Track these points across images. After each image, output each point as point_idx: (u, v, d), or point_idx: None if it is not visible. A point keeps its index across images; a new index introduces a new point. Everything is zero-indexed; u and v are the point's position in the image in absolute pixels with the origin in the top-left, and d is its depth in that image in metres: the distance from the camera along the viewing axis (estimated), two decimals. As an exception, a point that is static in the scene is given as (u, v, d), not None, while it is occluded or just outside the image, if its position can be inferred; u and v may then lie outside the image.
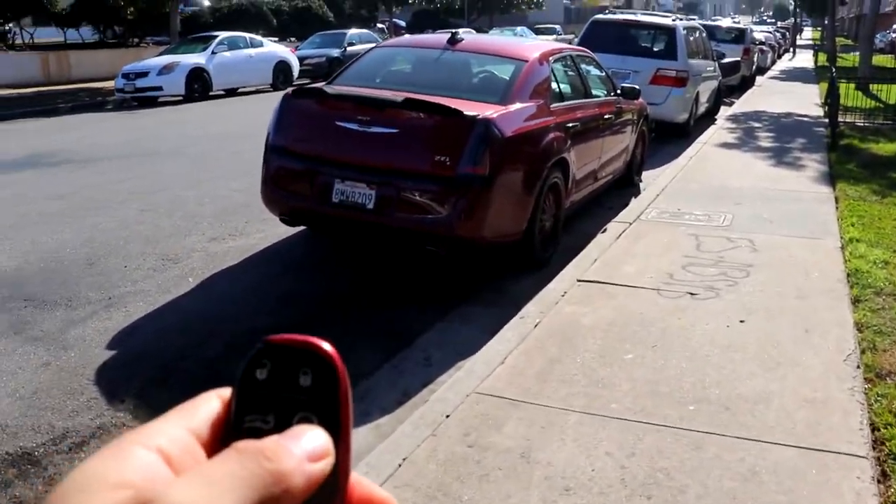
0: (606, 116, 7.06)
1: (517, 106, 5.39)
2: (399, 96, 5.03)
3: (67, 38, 26.78)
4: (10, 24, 23.96)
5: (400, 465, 2.98)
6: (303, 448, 0.41)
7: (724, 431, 3.15)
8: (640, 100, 8.53)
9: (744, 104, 16.82)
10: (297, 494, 0.40)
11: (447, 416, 3.36)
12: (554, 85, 6.04)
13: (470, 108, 5.07)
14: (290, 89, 5.49)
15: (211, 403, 0.45)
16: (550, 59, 6.18)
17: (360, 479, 0.46)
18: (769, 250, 5.78)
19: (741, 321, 4.36)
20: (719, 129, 12.64)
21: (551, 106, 5.82)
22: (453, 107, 4.93)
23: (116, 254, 6.00)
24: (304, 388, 0.44)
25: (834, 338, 4.11)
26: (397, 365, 4.29)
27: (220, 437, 0.44)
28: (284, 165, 5.46)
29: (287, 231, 6.25)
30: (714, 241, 6.00)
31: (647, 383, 3.60)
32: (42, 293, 5.17)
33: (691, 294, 4.81)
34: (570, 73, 6.73)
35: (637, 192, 8.43)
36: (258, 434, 0.43)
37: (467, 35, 6.60)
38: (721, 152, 10.45)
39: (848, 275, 5.16)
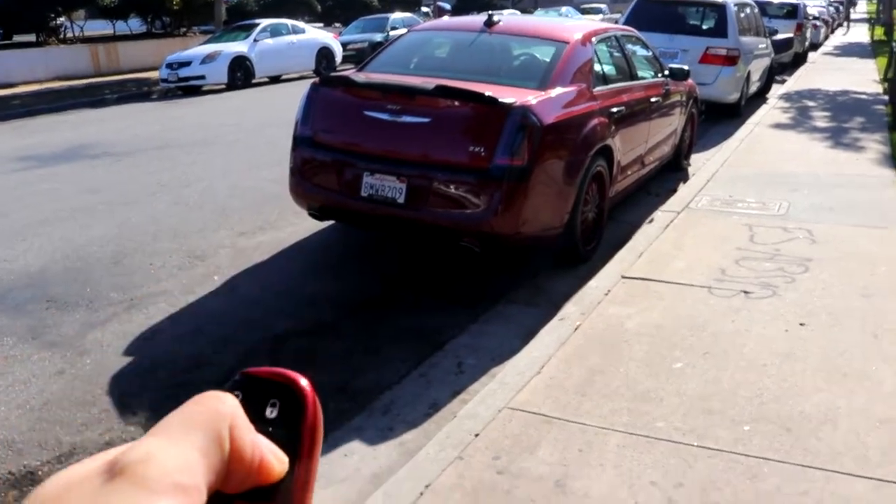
0: (653, 99, 6.66)
1: (557, 91, 5.05)
2: (430, 83, 4.73)
3: (116, 30, 26.97)
4: (62, 19, 24.17)
5: (422, 494, 2.71)
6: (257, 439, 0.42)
7: (785, 458, 2.81)
8: (690, 80, 8.08)
9: (797, 82, 16.11)
10: (245, 461, 0.41)
11: (476, 436, 3.08)
12: (597, 67, 5.68)
13: (506, 95, 4.75)
14: (317, 77, 5.22)
15: None
16: (593, 39, 5.81)
17: None
18: (830, 242, 5.36)
19: (801, 324, 3.99)
20: (772, 109, 12.06)
21: (594, 90, 5.46)
22: (488, 94, 4.61)
23: (143, 251, 5.83)
24: (269, 419, 0.44)
25: (907, 345, 3.72)
26: (426, 373, 4.01)
27: None
28: (311, 157, 5.21)
29: (319, 224, 6.02)
30: (769, 232, 5.59)
31: (697, 398, 3.27)
32: (64, 294, 5.01)
33: (745, 293, 4.44)
34: (614, 54, 6.34)
35: (686, 178, 8.01)
36: None
37: (506, 17, 6.25)
38: (774, 134, 9.93)
39: (919, 270, 4.74)
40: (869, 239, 5.42)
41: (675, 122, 7.60)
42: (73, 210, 6.96)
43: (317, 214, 5.37)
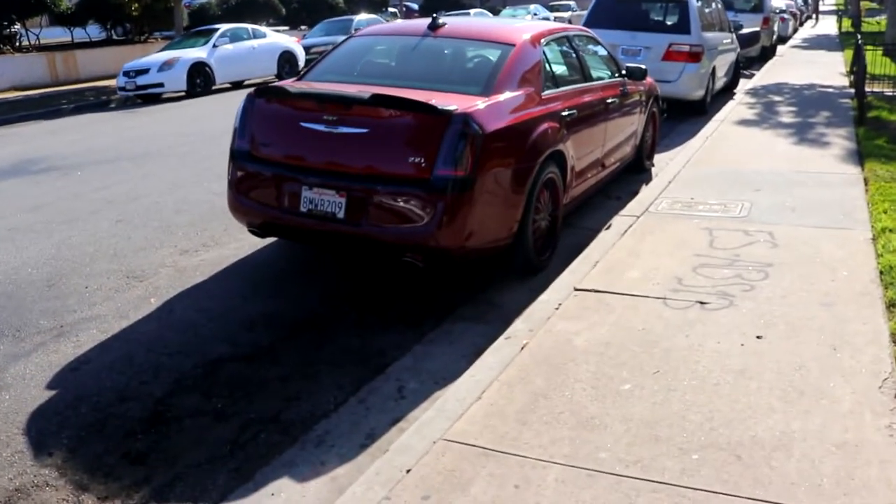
0: (610, 100, 6.47)
1: (503, 96, 4.84)
2: (366, 92, 4.50)
3: (75, 38, 26.45)
4: (17, 26, 23.64)
5: (341, 546, 2.49)
6: None
7: (734, 490, 2.61)
8: (649, 79, 7.92)
9: (764, 76, 16.04)
10: None
11: (407, 472, 2.86)
12: (546, 70, 5.47)
13: (447, 102, 4.54)
14: (252, 88, 4.97)
15: None
16: (542, 41, 5.60)
17: None
18: (791, 245, 5.18)
19: (758, 337, 3.80)
20: (738, 105, 11.95)
21: (544, 93, 5.26)
22: (426, 101, 4.39)
23: (80, 272, 5.55)
24: None
25: (868, 358, 3.53)
26: (365, 398, 3.78)
27: None
28: (249, 171, 4.97)
29: (264, 239, 5.78)
30: (730, 236, 5.41)
31: (644, 423, 3.07)
32: (-11, 323, 4.73)
33: (701, 304, 4.25)
34: (566, 55, 6.14)
35: (649, 179, 7.84)
36: None
37: (452, 20, 6.02)
38: (739, 131, 9.79)
39: (881, 273, 4.57)
40: (831, 241, 5.25)
41: (634, 122, 7.43)
42: (10, 230, 6.66)
43: (257, 231, 5.12)
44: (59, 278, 5.46)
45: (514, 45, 5.29)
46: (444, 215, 4.35)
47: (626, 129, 7.14)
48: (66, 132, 12.71)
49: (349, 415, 3.65)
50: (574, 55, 6.23)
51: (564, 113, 5.41)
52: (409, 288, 5.09)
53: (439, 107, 4.35)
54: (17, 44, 23.33)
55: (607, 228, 5.82)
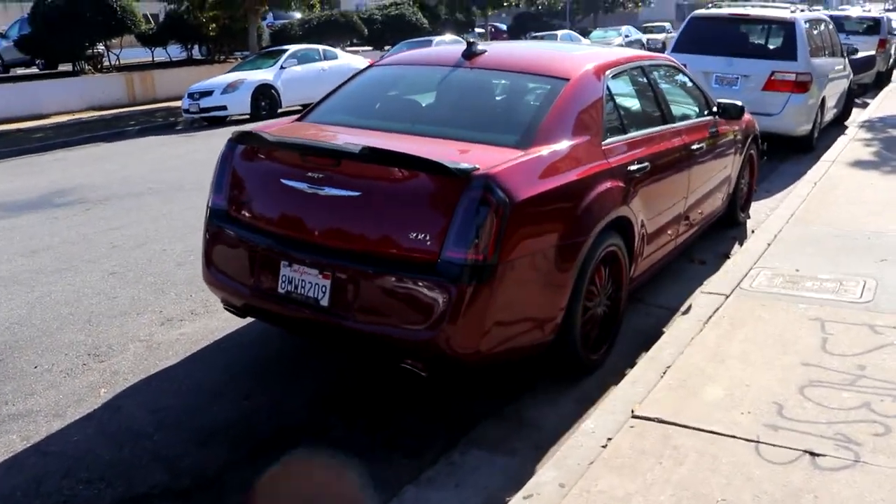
0: (696, 146, 5.20)
1: (547, 148, 3.67)
2: (358, 144, 3.40)
3: (155, 58, 26.49)
4: (100, 47, 23.73)
5: None
6: None
7: None
8: (747, 116, 6.59)
9: (881, 105, 14.25)
10: None
11: None
12: (610, 111, 4.28)
13: (468, 158, 3.41)
14: (233, 133, 3.96)
15: None
16: (607, 73, 4.40)
17: None
18: (937, 352, 3.82)
19: (904, 534, 2.51)
20: (852, 141, 10.36)
21: (604, 142, 4.06)
22: (434, 159, 3.26)
23: (39, 345, 4.65)
24: None
25: None
26: (315, 588, 2.67)
27: None
28: (224, 237, 3.95)
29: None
30: (849, 334, 4.08)
31: None
32: None
33: (812, 455, 2.96)
34: (639, 91, 4.91)
35: (742, 236, 6.50)
36: None
37: (495, 45, 4.88)
38: (855, 175, 8.28)
39: None
40: None
41: (727, 167, 6.10)
42: (-5, 280, 5.86)
43: (235, 311, 4.08)
44: (10, 352, 4.57)
45: (567, 80, 4.11)
46: (454, 312, 3.20)
47: (716, 176, 5.83)
48: (111, 159, 12.11)
49: None
50: (650, 91, 5.00)
51: (633, 167, 4.19)
52: (419, 390, 3.94)
53: (451, 166, 3.22)
54: (100, 65, 23.38)
55: (685, 312, 4.56)
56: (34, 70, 25.97)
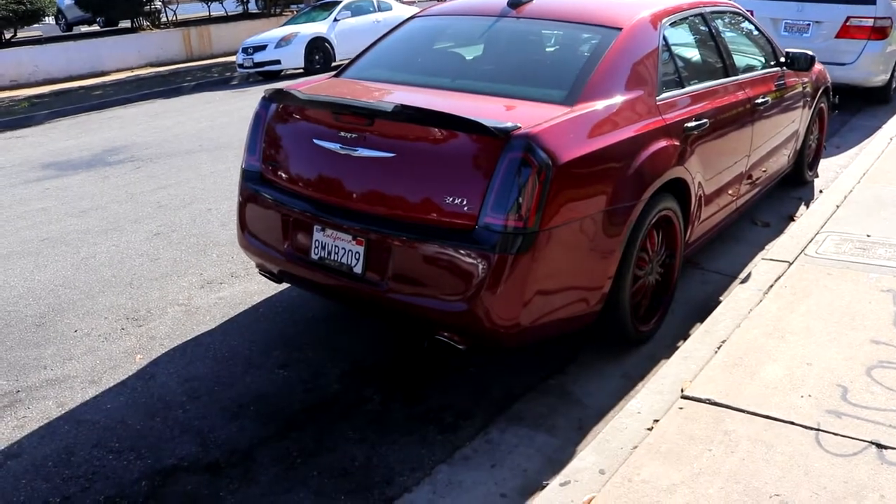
0: (760, 100, 4.85)
1: (595, 105, 3.41)
2: (391, 102, 3.20)
3: (211, 12, 26.47)
4: (157, 3, 23.82)
5: None
6: None
7: None
8: (818, 66, 6.16)
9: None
10: None
11: None
12: (666, 63, 3.97)
13: (510, 116, 3.19)
14: (266, 91, 3.79)
15: None
16: (663, 21, 4.09)
17: None
18: None
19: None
20: (933, 93, 9.72)
21: (659, 97, 3.77)
22: (472, 117, 3.04)
23: (79, 308, 4.62)
24: None
25: None
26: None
27: None
28: (256, 200, 3.81)
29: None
30: (925, 305, 3.76)
31: None
32: (-62, 380, 3.84)
33: (878, 447, 2.71)
34: (699, 41, 4.58)
35: (809, 197, 6.12)
36: None
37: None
38: (936, 129, 7.74)
39: None
40: None
41: (794, 123, 5.71)
42: (43, 241, 5.87)
43: (270, 276, 3.95)
44: (53, 315, 4.55)
45: (620, 29, 3.82)
46: (492, 282, 3.01)
47: (782, 132, 5.45)
48: (165, 115, 12.12)
49: None
50: (712, 40, 4.65)
51: (690, 124, 3.89)
52: (459, 361, 3.78)
53: (489, 125, 2.99)
54: (157, 21, 23.48)
55: (744, 281, 4.27)
56: (95, 28, 26.25)
